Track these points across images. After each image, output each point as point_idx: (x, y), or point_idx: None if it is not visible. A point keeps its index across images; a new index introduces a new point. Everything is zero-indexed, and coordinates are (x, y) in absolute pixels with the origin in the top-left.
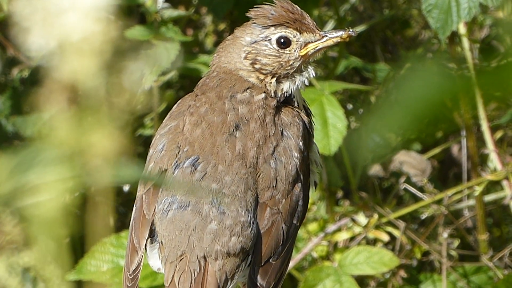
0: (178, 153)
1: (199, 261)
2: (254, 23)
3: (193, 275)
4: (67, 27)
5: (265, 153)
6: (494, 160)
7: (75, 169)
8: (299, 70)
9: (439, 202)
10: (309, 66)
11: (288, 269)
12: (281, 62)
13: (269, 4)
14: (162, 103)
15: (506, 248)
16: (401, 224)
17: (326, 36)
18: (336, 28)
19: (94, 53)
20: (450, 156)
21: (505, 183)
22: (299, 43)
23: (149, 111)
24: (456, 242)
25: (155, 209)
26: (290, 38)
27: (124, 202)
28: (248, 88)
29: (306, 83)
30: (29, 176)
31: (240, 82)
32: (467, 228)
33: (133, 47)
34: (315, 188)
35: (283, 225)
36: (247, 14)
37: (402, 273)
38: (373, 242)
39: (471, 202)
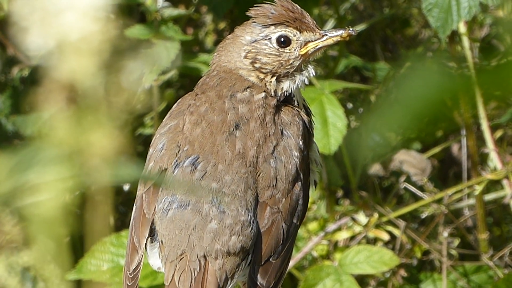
0: (178, 152)
1: (199, 260)
2: (254, 22)
3: (193, 274)
4: (65, 27)
5: (265, 152)
6: (494, 159)
7: (74, 168)
8: (299, 69)
9: (439, 201)
10: (309, 65)
11: (288, 268)
12: (281, 61)
13: (269, 3)
14: (162, 102)
15: (506, 247)
16: (401, 223)
17: (326, 35)
18: (336, 27)
19: (93, 53)
20: (450, 155)
21: (505, 182)
22: (299, 42)
23: (149, 110)
24: (456, 241)
25: (155, 208)
26: (290, 37)
27: (124, 201)
28: (248, 87)
29: (306, 82)
30: (29, 175)
31: (240, 81)
32: (467, 227)
33: (132, 46)
34: (315, 187)
35: (283, 224)
36: (247, 13)
37: (402, 272)
38: (373, 241)
39: (471, 201)
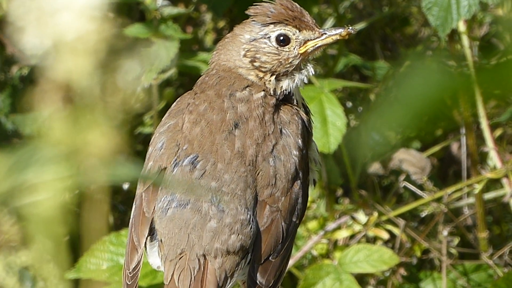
0: (178, 151)
1: (198, 259)
2: (254, 20)
3: (192, 273)
4: (61, 26)
5: (264, 151)
6: (493, 158)
7: (72, 168)
8: (298, 68)
9: (438, 200)
10: (308, 64)
11: (288, 267)
12: (280, 60)
13: (269, 2)
14: (162, 101)
15: (506, 246)
16: (401, 222)
17: (326, 33)
18: (335, 25)
19: (89, 52)
20: (450, 154)
21: (504, 181)
22: (298, 40)
23: (148, 109)
24: (456, 240)
25: (154, 207)
26: (290, 36)
27: (123, 200)
28: (247, 86)
29: (305, 81)
30: (27, 174)
31: (240, 80)
32: (467, 226)
33: (128, 45)
34: (314, 186)
35: (283, 223)
36: (247, 12)
37: (402, 271)
38: (373, 240)
39: (471, 200)
